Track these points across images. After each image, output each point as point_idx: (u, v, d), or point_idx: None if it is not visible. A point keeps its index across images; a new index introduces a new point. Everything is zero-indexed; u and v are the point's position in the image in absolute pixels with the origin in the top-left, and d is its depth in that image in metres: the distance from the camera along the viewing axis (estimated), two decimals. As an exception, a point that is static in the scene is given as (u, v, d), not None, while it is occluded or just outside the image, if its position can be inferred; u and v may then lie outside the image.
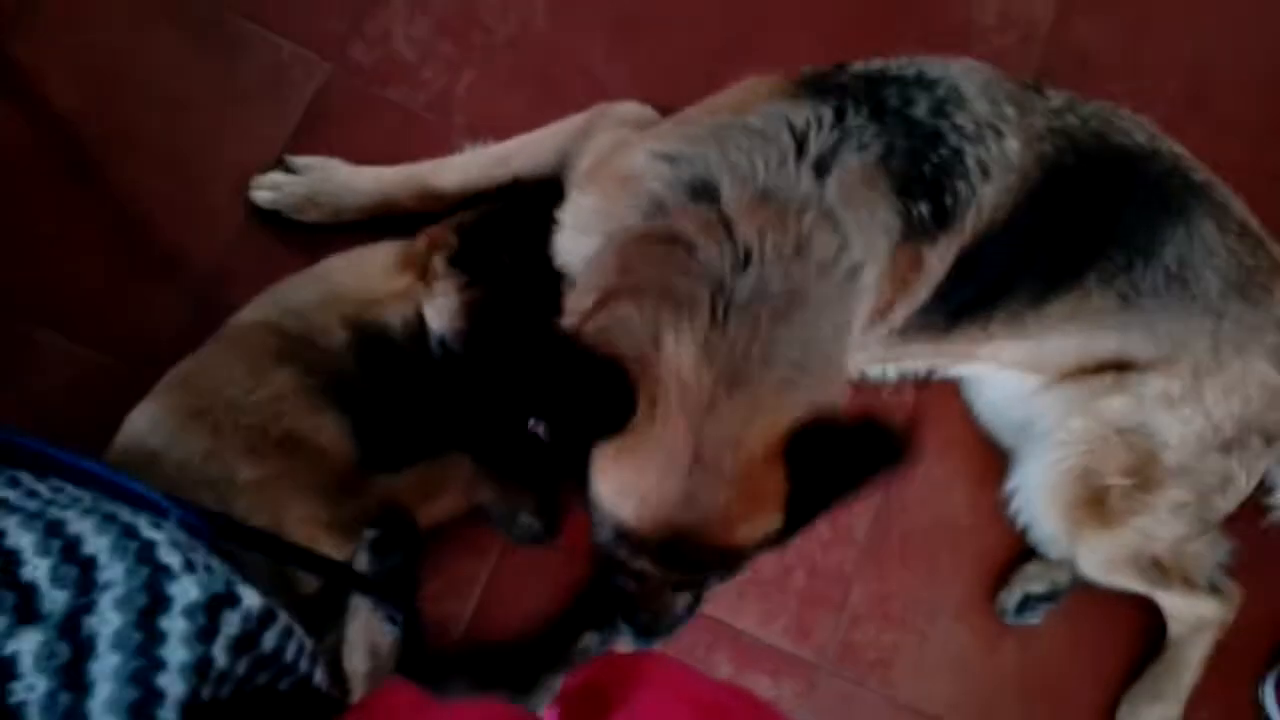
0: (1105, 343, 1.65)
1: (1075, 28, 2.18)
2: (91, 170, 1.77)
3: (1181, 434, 1.63)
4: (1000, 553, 1.89)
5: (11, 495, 0.76)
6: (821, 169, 1.34)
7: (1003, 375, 1.81)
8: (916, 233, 1.43)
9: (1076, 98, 1.60)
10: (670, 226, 1.29)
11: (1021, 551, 1.89)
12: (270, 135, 1.80)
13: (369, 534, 1.36)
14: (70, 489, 0.80)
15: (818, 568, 1.82)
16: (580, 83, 1.93)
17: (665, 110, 1.67)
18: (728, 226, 1.26)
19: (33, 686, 0.61)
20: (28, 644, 0.62)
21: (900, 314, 1.53)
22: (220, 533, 0.89)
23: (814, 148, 1.35)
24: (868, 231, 1.36)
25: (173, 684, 0.66)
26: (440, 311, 1.55)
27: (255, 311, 1.54)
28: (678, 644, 1.76)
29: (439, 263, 1.55)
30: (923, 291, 1.51)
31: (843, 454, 1.16)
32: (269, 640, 0.77)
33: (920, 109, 1.44)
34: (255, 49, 1.84)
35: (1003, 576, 1.88)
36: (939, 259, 1.48)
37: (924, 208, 1.43)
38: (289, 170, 1.76)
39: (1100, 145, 1.57)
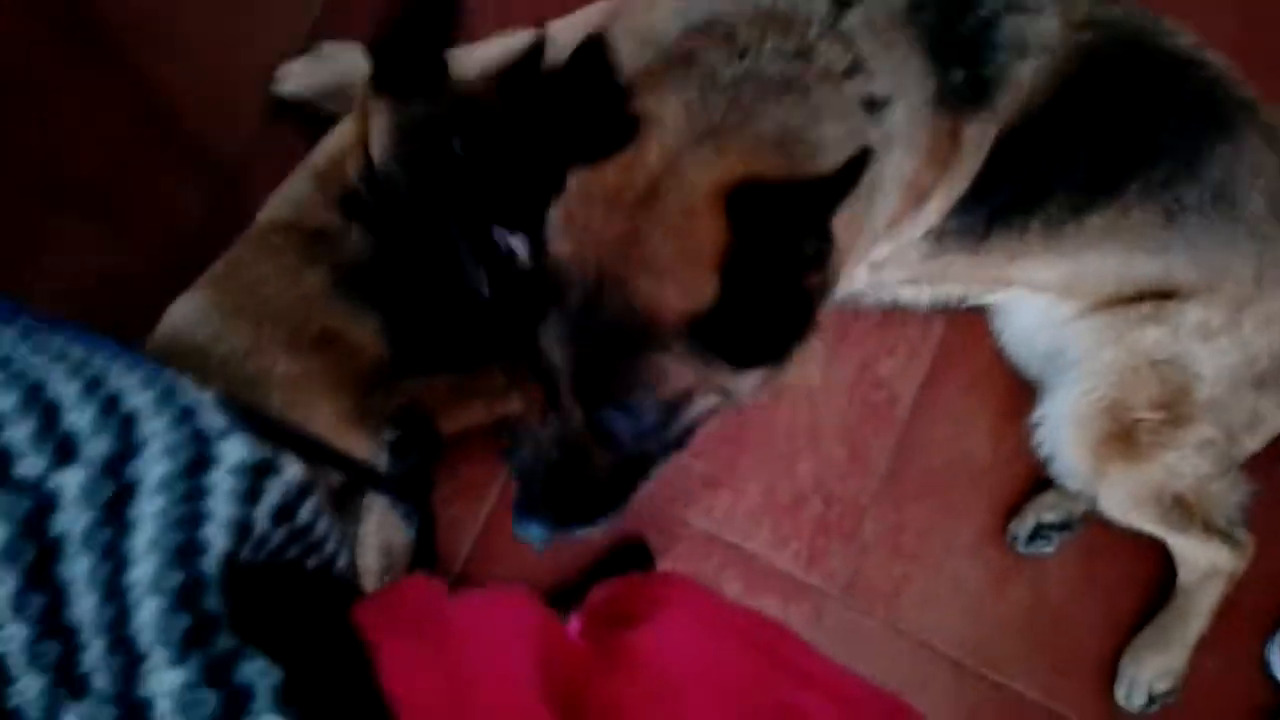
0: (1146, 266, 1.58)
1: None
2: (115, 58, 1.73)
3: (1217, 367, 1.57)
4: (1019, 490, 1.87)
5: (56, 342, 0.74)
6: (842, 1, 1.28)
7: (1034, 302, 1.75)
8: (952, 101, 1.36)
9: None
10: (677, 48, 1.26)
11: (1037, 485, 1.87)
12: (294, 23, 1.74)
13: (389, 434, 1.35)
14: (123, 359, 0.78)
15: (834, 496, 1.82)
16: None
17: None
18: (729, 35, 1.23)
19: (75, 519, 0.59)
20: (71, 480, 0.60)
21: (936, 205, 1.46)
22: (247, 424, 0.87)
23: None
24: (898, 70, 1.30)
25: (217, 537, 0.65)
26: (376, 140, 1.39)
27: (270, 210, 1.51)
28: (687, 564, 1.78)
29: (364, 91, 1.41)
30: (959, 179, 1.44)
31: (786, 219, 1.11)
32: (305, 513, 0.76)
33: None
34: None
35: (1014, 510, 1.87)
36: (977, 140, 1.41)
37: (959, 74, 1.36)
38: (315, 58, 1.71)
39: (1144, 42, 1.50)
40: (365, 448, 1.33)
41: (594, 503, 1.33)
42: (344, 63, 1.69)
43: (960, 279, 1.73)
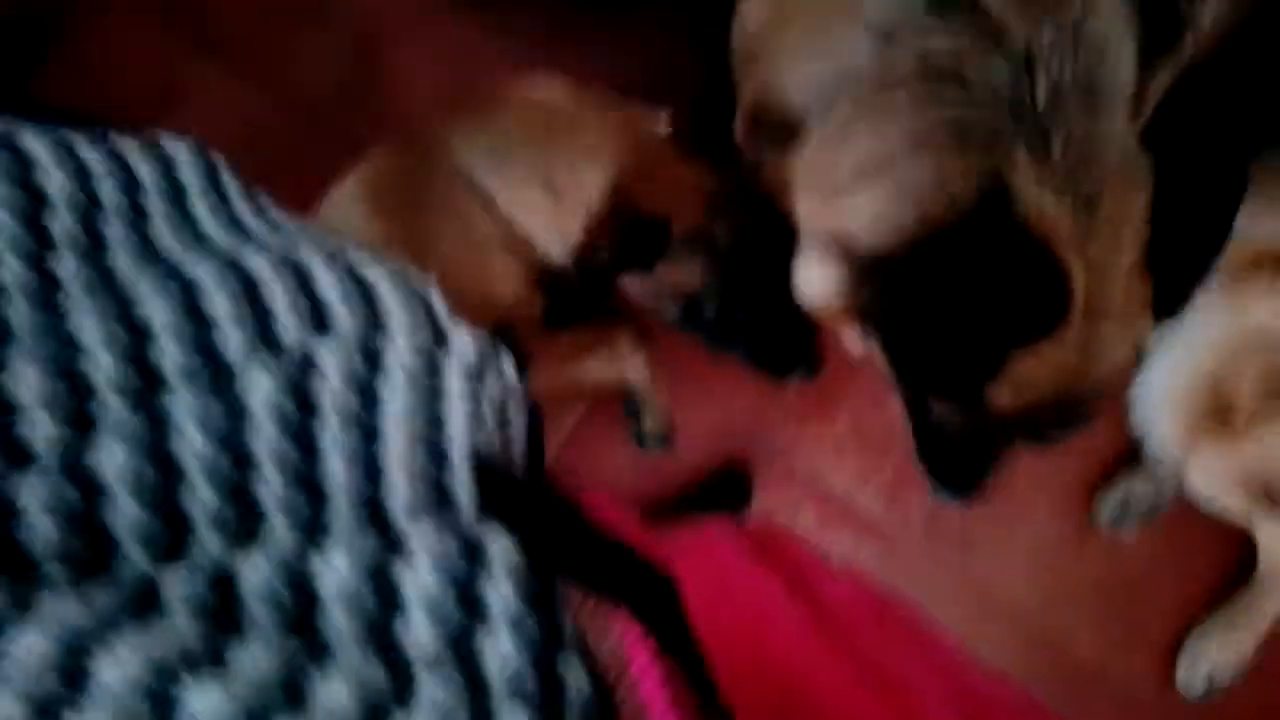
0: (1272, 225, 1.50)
1: None
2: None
3: None
4: (1110, 453, 1.85)
5: (283, 218, 0.77)
6: None
7: None
8: (1144, 60, 1.23)
9: None
10: (917, 57, 1.05)
11: (1128, 456, 1.84)
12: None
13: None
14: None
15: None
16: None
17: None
18: (997, 36, 1.02)
19: (336, 390, 0.61)
20: (328, 349, 0.62)
21: None
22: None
23: None
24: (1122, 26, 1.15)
25: (455, 415, 0.66)
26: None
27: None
28: (766, 492, 1.79)
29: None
30: None
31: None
32: (513, 414, 0.77)
33: None
34: None
35: (1104, 478, 1.84)
36: (1154, 93, 1.29)
37: (1154, 30, 1.22)
38: None
39: None
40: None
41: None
42: None
43: None
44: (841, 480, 1.80)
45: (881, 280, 1.10)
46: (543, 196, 1.26)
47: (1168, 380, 1.65)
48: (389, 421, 0.62)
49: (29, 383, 0.54)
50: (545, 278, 1.33)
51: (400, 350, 0.65)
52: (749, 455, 1.79)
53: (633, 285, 1.37)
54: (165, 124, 1.62)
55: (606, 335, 1.48)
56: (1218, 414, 1.60)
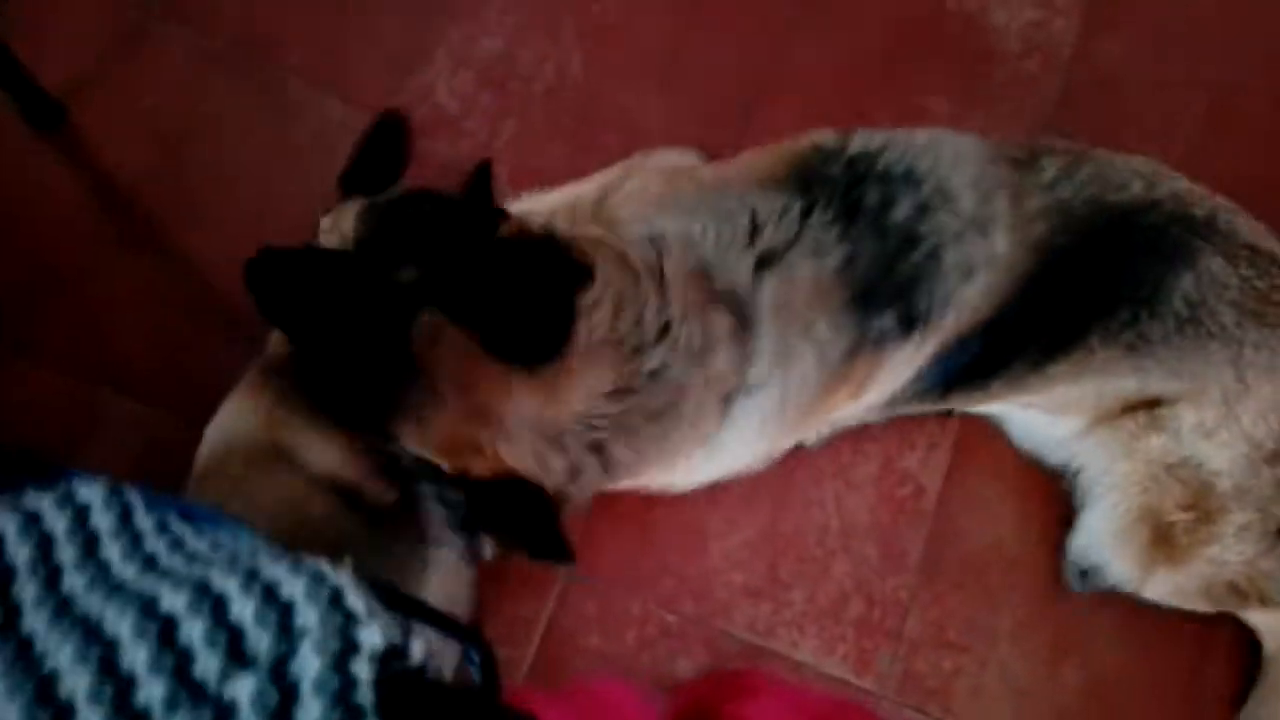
0: (1122, 384, 1.65)
1: (1099, 49, 2.21)
2: (150, 233, 1.84)
3: (1228, 459, 1.62)
4: (1053, 574, 1.88)
5: (202, 546, 0.79)
6: (763, 263, 1.42)
7: (1030, 417, 1.82)
8: (873, 343, 1.50)
9: (1073, 160, 1.61)
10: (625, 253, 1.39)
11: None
12: (322, 190, 1.85)
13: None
14: (244, 542, 0.83)
15: (874, 595, 1.83)
16: (618, 129, 1.98)
17: (710, 154, 1.71)
18: (663, 287, 1.37)
19: None
20: (244, 689, 0.65)
21: (875, 398, 1.60)
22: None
23: (764, 241, 1.43)
24: (787, 355, 1.46)
25: (366, 696, 0.68)
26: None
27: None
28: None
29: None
30: (890, 385, 1.58)
31: None
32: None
33: (900, 211, 1.49)
34: (307, 110, 1.92)
35: (1058, 594, 1.87)
36: (906, 360, 1.54)
37: (888, 319, 1.49)
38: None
39: (1095, 212, 1.58)
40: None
41: None
42: None
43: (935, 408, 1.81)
44: (809, 653, 1.80)
45: None
46: None
47: (1102, 525, 1.74)
48: None
49: None
50: None
51: (313, 669, 0.67)
52: (711, 640, 1.78)
53: None
54: (76, 456, 1.68)
55: None
56: (1158, 542, 1.68)
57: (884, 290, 1.48)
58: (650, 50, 2.05)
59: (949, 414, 1.90)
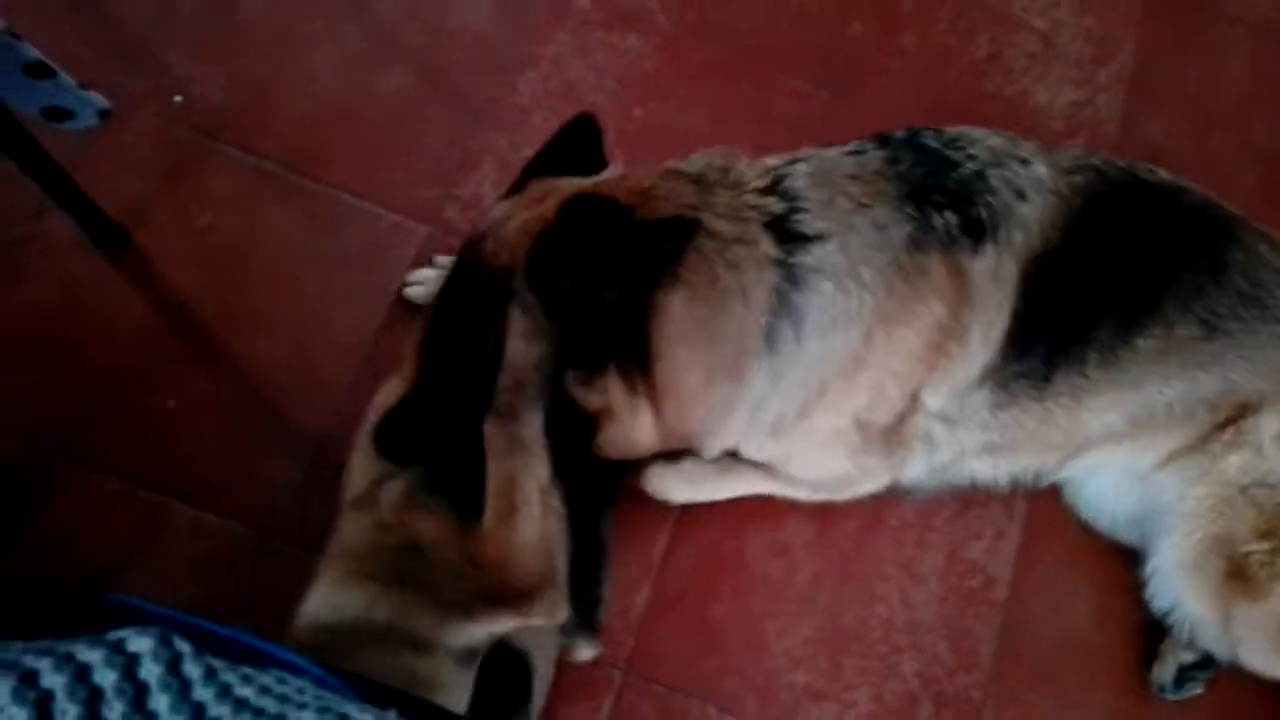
0: (1208, 383, 1.61)
1: (1144, 126, 2.21)
2: (212, 347, 1.89)
3: None
4: (1132, 665, 1.80)
5: (249, 694, 0.79)
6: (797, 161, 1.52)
7: (1112, 462, 1.75)
8: (943, 241, 1.48)
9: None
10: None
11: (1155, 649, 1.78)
12: (375, 300, 1.90)
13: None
14: (294, 681, 0.83)
15: (944, 696, 1.75)
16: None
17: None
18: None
19: None
20: None
21: (978, 340, 1.54)
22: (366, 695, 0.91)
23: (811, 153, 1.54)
24: (844, 227, 1.46)
25: None
26: None
27: (349, 489, 1.56)
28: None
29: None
30: (989, 312, 1.53)
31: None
32: None
33: (928, 138, 1.56)
34: (358, 221, 1.98)
35: (1140, 687, 1.78)
36: (990, 274, 1.51)
37: (949, 217, 1.49)
38: (437, 267, 1.91)
39: (1130, 178, 1.62)
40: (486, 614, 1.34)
41: None
42: None
43: (1033, 442, 1.72)
44: (879, 759, 1.72)
45: None
46: None
47: (1173, 556, 1.66)
48: None
49: None
50: None
51: None
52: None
53: None
54: (142, 564, 1.69)
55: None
56: (1234, 575, 1.60)
57: (935, 192, 1.50)
58: (692, 149, 2.08)
59: (1037, 482, 1.81)
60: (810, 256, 1.45)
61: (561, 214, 1.34)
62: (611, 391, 1.43)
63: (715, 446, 1.62)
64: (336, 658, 1.06)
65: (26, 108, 1.58)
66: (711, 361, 1.45)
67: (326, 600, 1.35)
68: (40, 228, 1.88)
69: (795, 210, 1.46)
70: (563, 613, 1.39)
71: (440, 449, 1.39)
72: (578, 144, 1.54)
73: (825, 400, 1.55)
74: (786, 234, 1.45)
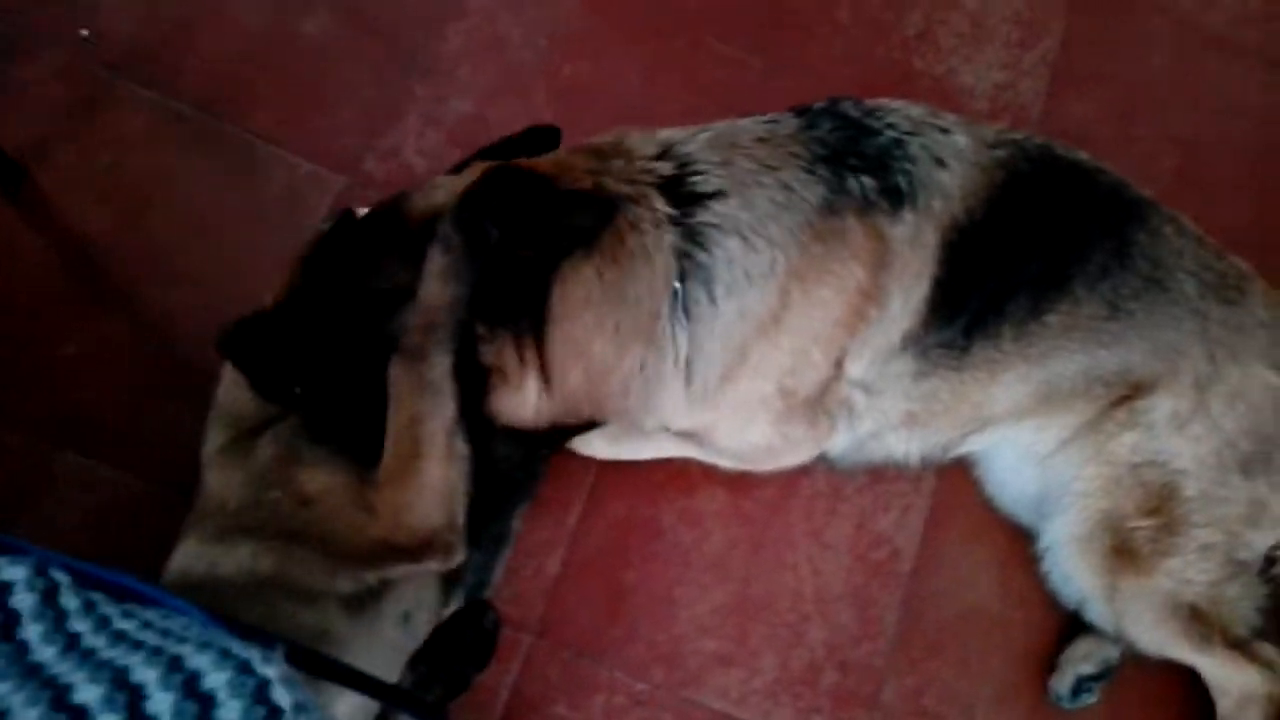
0: (1108, 360, 1.66)
1: (1067, 110, 2.24)
2: (115, 292, 1.82)
3: (1195, 456, 1.62)
4: (1033, 638, 1.85)
5: (129, 627, 0.77)
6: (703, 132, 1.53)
7: (1017, 440, 1.78)
8: (860, 205, 1.50)
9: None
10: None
11: (1055, 634, 1.84)
12: (288, 250, 1.83)
13: (410, 675, 1.37)
14: (178, 619, 0.81)
15: (848, 663, 1.78)
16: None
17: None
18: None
19: None
20: None
21: (899, 303, 1.56)
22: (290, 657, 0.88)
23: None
24: (746, 187, 1.48)
25: None
26: None
27: (212, 439, 1.52)
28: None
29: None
30: (908, 277, 1.55)
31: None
32: None
33: (848, 107, 1.58)
34: (273, 169, 1.91)
35: (1038, 661, 1.83)
36: (909, 239, 1.54)
37: (866, 180, 1.51)
38: None
39: (1049, 155, 1.67)
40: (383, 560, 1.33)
41: None
42: None
43: (948, 414, 1.74)
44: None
45: None
46: None
47: (1065, 530, 1.71)
48: None
49: None
50: None
51: None
52: (682, 710, 1.73)
53: None
54: (36, 514, 1.63)
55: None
56: (1121, 550, 1.66)
57: (851, 156, 1.52)
58: (621, 112, 2.05)
59: (945, 456, 1.84)
60: (709, 214, 1.46)
61: (488, 174, 1.36)
62: (505, 352, 1.43)
63: (649, 422, 1.62)
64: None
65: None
66: (620, 323, 1.44)
67: (200, 556, 1.31)
68: (-70, 162, 1.78)
69: (688, 173, 1.48)
70: (459, 556, 1.38)
71: (284, 369, 1.40)
72: (534, 148, 1.55)
73: (748, 364, 1.56)
74: (681, 196, 1.47)
